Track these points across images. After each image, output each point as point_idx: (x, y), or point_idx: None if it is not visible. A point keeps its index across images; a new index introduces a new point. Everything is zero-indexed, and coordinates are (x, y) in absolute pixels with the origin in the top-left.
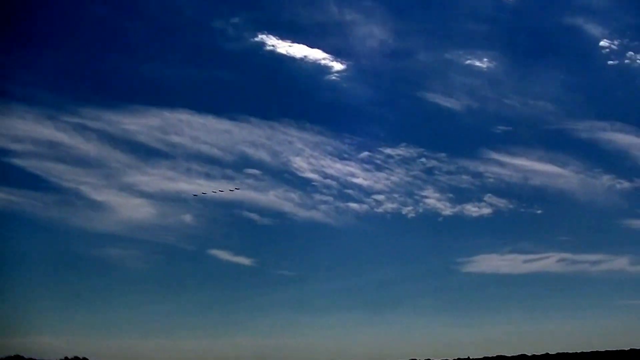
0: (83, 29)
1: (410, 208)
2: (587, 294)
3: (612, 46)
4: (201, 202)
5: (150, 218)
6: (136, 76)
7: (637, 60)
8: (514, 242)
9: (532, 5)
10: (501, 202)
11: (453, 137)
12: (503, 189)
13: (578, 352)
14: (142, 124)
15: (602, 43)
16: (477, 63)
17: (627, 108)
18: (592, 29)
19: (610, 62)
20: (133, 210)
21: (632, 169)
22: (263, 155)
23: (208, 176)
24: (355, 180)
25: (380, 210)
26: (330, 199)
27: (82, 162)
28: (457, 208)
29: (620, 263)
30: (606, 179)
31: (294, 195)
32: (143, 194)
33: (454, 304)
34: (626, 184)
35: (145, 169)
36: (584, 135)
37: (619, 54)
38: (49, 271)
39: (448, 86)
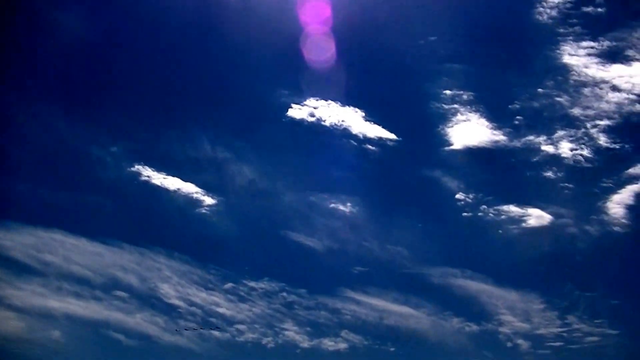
0: None
1: (270, 339)
2: None
3: (467, 199)
4: (69, 319)
5: (18, 332)
6: (13, 194)
7: (490, 214)
8: None
9: (394, 157)
10: (357, 338)
11: (313, 274)
12: (359, 326)
13: None
14: (16, 240)
15: (457, 196)
16: (341, 207)
17: (478, 257)
18: (450, 182)
19: (464, 214)
20: (2, 323)
21: (480, 313)
22: (132, 279)
23: (78, 295)
24: (218, 309)
25: (241, 339)
26: (194, 325)
27: None
28: (315, 341)
29: None
30: (456, 322)
31: (160, 320)
32: (13, 308)
33: None
34: (474, 327)
35: (17, 284)
36: (436, 281)
37: (473, 206)
38: None
39: (311, 227)
